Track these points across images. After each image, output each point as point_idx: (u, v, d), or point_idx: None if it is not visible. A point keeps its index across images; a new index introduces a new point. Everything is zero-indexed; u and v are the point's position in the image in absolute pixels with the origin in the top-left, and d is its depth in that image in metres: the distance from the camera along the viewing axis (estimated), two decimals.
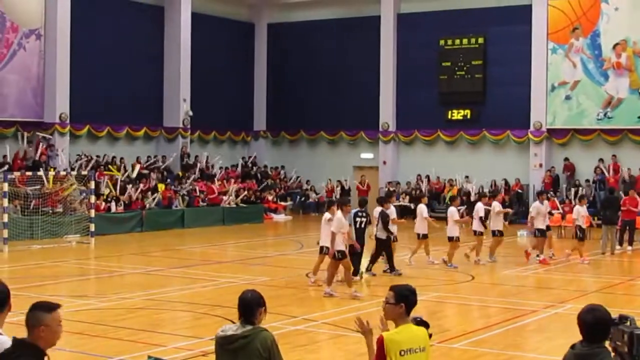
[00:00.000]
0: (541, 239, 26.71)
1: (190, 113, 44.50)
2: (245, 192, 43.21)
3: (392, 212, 24.60)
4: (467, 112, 44.62)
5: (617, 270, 25.93)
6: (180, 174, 42.70)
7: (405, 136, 46.56)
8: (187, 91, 44.70)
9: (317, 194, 48.03)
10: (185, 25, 44.59)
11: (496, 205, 26.90)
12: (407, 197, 44.01)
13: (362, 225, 22.78)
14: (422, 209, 26.29)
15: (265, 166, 49.99)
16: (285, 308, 18.25)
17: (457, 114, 44.90)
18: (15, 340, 6.14)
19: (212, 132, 48.06)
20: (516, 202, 41.35)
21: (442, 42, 44.98)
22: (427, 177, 45.35)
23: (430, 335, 7.50)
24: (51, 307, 6.20)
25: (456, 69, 44.69)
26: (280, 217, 44.48)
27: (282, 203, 46.38)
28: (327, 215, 21.66)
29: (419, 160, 46.09)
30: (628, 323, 5.88)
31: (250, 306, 7.33)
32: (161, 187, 39.43)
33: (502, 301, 19.97)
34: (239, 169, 47.78)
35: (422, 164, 45.71)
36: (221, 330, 7.40)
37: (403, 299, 7.38)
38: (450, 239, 25.64)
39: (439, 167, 45.19)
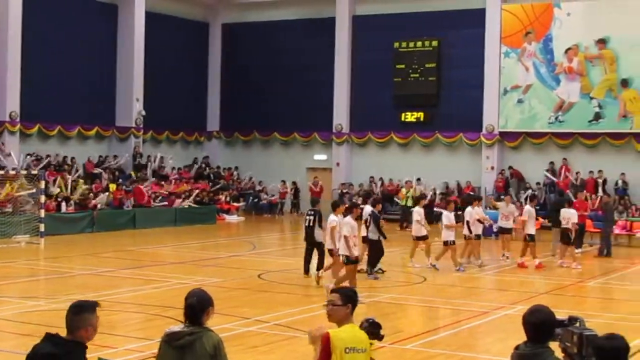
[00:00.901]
0: (476, 242, 26.56)
1: (143, 113, 44.24)
2: (197, 192, 43.06)
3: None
4: (421, 114, 44.80)
5: (567, 272, 26.11)
6: (132, 173, 42.45)
7: (358, 138, 46.65)
8: (140, 90, 44.43)
9: (270, 195, 47.94)
10: (139, 24, 44.32)
11: (478, 211, 26.86)
12: (360, 198, 44.01)
13: (310, 224, 22.98)
14: (417, 212, 26.18)
15: (219, 167, 49.83)
16: (238, 309, 18.18)
17: (410, 116, 45.07)
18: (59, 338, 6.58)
19: (165, 132, 47.83)
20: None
21: (396, 44, 45.13)
22: (381, 179, 45.46)
23: (382, 337, 7.50)
24: (92, 308, 6.68)
25: (410, 71, 44.87)
26: (233, 218, 44.32)
27: (235, 204, 46.23)
28: (332, 217, 21.64)
29: (372, 162, 46.19)
30: (578, 324, 5.91)
31: (195, 306, 7.20)
32: (112, 187, 39.12)
33: (455, 302, 20.05)
34: (193, 169, 47.62)
35: (375, 166, 45.83)
36: (168, 330, 7.33)
37: (349, 300, 7.43)
38: (445, 243, 25.53)
39: (392, 169, 45.32)
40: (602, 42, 40.75)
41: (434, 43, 44.59)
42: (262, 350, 14.71)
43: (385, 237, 23.83)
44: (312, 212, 23.34)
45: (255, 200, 48.04)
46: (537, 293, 21.80)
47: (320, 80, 47.00)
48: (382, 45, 45.18)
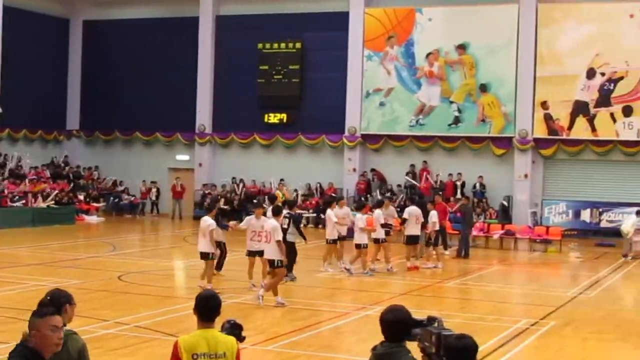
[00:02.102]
0: (332, 247, 26.48)
1: (0, 110, 43.10)
2: (57, 192, 42.21)
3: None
4: (284, 115, 44.93)
5: (425, 273, 26.53)
6: None
7: (221, 138, 46.51)
8: None
9: (131, 195, 47.37)
10: None
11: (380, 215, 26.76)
12: (223, 199, 43.90)
13: (284, 226, 22.55)
14: (330, 214, 25.86)
15: (78, 166, 48.95)
16: (97, 311, 17.90)
17: (274, 118, 45.15)
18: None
19: (22, 131, 46.71)
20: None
21: (260, 45, 45.16)
22: (242, 180, 45.43)
23: (243, 338, 7.46)
24: (43, 313, 6.33)
25: (274, 72, 44.96)
26: (92, 219, 43.60)
27: (95, 204, 45.52)
28: (329, 211, 24.80)
29: (235, 163, 46.12)
30: (436, 324, 5.99)
31: (49, 305, 7.02)
32: None
33: (317, 303, 20.16)
34: (51, 169, 46.69)
35: (238, 167, 45.78)
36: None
37: (195, 306, 7.36)
38: (358, 246, 25.32)
39: (255, 170, 45.34)
40: (461, 47, 41.63)
41: (298, 45, 44.79)
42: (121, 352, 14.52)
43: (305, 240, 24.08)
44: (288, 215, 23.22)
45: (116, 200, 47.38)
46: (397, 294, 22.10)
47: (183, 80, 46.66)
48: (246, 46, 45.14)
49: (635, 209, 34.75)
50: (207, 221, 21.24)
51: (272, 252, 19.69)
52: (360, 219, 25.56)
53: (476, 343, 5.69)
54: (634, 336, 17.23)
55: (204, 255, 21.40)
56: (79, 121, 50.15)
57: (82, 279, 22.87)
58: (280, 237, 19.72)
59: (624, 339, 17.00)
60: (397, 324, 6.19)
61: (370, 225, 25.48)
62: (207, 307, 7.34)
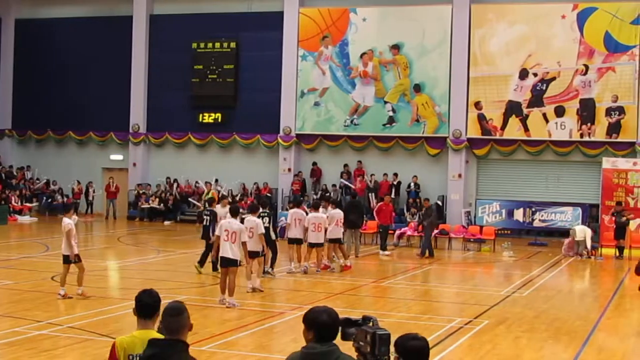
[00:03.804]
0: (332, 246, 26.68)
1: None
2: None
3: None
4: (219, 115, 44.81)
5: (362, 273, 26.61)
6: None
7: (156, 138, 46.25)
8: None
9: (64, 195, 46.87)
10: None
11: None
12: (157, 199, 43.73)
13: (266, 224, 22.87)
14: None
15: (11, 166, 48.33)
16: (30, 312, 17.72)
17: (208, 118, 45.01)
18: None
19: None
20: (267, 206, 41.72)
21: (194, 45, 45.00)
22: (175, 180, 45.24)
23: None
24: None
25: (208, 72, 44.82)
26: (25, 219, 43.10)
27: (28, 204, 44.99)
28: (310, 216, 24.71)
29: (169, 163, 45.91)
30: (371, 324, 6.01)
31: None
32: None
33: (251, 303, 20.10)
34: None
35: (172, 167, 45.57)
36: None
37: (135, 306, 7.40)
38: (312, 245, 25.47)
39: (189, 170, 45.16)
40: (395, 47, 41.85)
41: (232, 44, 44.69)
42: (54, 353, 14.36)
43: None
44: (266, 213, 23.42)
45: (49, 200, 46.86)
46: (332, 293, 22.12)
47: (117, 79, 46.34)
48: (180, 46, 44.96)
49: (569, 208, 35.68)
50: (65, 221, 20.12)
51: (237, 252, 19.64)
52: (317, 217, 25.54)
53: (428, 343, 5.84)
54: (566, 335, 17.45)
55: (254, 254, 21.50)
56: (11, 120, 49.52)
57: (14, 279, 22.59)
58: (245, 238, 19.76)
59: (556, 337, 17.20)
60: (326, 325, 6.18)
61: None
62: (142, 305, 7.35)
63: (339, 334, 6.15)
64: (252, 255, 21.38)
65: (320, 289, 23.19)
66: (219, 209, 24.99)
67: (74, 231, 20.06)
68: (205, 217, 24.96)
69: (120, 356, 7.18)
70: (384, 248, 32.23)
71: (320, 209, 26.33)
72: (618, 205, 34.29)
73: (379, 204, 34.16)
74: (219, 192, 40.62)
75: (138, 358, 7.11)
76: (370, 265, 29.41)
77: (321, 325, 6.21)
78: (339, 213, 27.02)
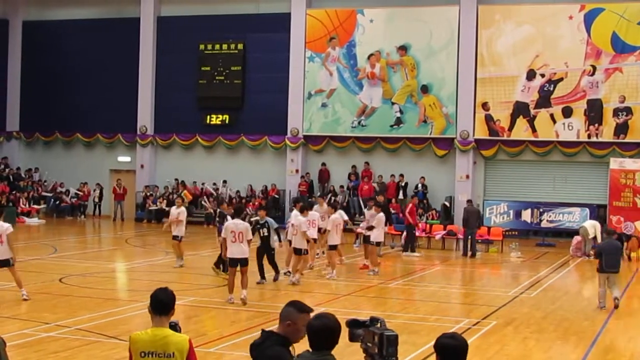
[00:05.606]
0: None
1: None
2: None
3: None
4: (226, 117, 44.82)
5: (368, 274, 26.54)
6: None
7: (163, 140, 46.28)
8: None
9: (72, 197, 46.92)
10: None
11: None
12: (165, 201, 43.76)
13: (266, 233, 23.15)
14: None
15: (19, 168, 48.41)
16: (38, 314, 17.75)
17: (215, 119, 45.03)
18: (263, 332, 6.75)
19: None
20: (272, 208, 41.81)
21: (202, 46, 45.04)
22: (183, 182, 45.24)
23: None
24: (302, 309, 6.64)
25: (215, 73, 44.84)
26: (33, 221, 43.14)
27: (36, 206, 45.05)
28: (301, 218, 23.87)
29: (177, 165, 45.91)
30: (379, 325, 6.00)
31: None
32: None
33: (257, 305, 20.08)
34: None
35: (180, 168, 45.58)
36: None
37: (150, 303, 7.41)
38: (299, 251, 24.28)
39: (197, 172, 45.18)
40: (403, 49, 41.83)
41: (240, 46, 44.71)
42: (63, 355, 14.38)
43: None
44: (265, 222, 23.35)
45: (57, 202, 46.92)
46: (341, 294, 22.12)
47: (124, 81, 46.38)
48: (187, 47, 44.99)
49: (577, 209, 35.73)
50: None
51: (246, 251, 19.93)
52: (304, 222, 25.18)
53: (467, 343, 5.88)
54: (574, 335, 17.43)
55: (298, 251, 22.76)
56: (19, 122, 49.60)
57: (23, 281, 22.55)
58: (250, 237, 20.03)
59: (564, 338, 17.19)
60: (323, 332, 6.16)
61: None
62: (157, 302, 7.37)
63: (347, 336, 6.13)
64: (297, 252, 22.98)
65: (328, 290, 23.15)
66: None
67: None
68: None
69: (132, 352, 7.25)
70: (413, 249, 32.22)
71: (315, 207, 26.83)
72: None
73: (408, 204, 34.01)
74: (218, 192, 40.75)
75: (152, 355, 7.16)
76: (386, 267, 29.39)
77: (310, 332, 6.20)
78: (338, 218, 26.85)
